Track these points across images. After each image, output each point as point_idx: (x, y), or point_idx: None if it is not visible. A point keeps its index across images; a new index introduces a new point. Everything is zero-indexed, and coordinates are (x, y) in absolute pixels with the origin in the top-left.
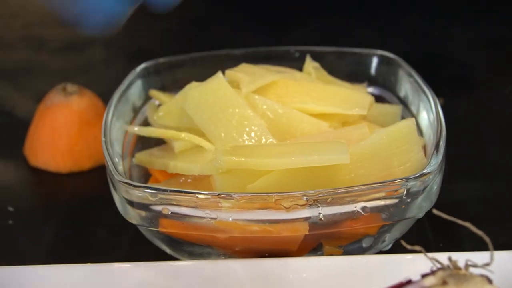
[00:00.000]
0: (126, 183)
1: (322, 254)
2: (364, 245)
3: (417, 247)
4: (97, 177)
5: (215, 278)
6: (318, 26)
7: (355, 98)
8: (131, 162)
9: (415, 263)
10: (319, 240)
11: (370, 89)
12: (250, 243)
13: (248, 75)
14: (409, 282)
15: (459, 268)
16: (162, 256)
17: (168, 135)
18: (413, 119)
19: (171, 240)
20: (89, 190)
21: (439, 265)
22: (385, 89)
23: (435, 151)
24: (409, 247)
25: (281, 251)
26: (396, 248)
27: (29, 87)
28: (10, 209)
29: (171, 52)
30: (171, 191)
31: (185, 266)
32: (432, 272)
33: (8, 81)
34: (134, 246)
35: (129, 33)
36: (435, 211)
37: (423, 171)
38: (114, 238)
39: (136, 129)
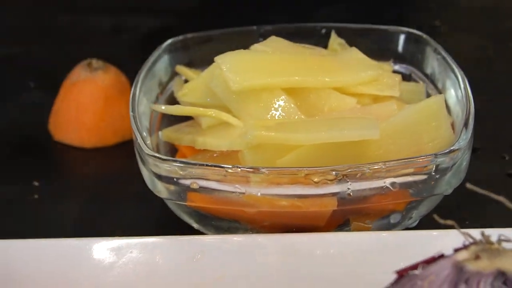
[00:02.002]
0: (155, 156)
1: (349, 230)
2: (392, 221)
3: (450, 222)
4: (121, 153)
5: (243, 253)
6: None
7: (386, 78)
8: (158, 137)
9: (445, 239)
10: (347, 216)
11: (396, 67)
12: (278, 218)
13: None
14: (441, 256)
15: (492, 243)
16: (189, 231)
17: (196, 112)
18: (443, 95)
19: (199, 215)
20: (114, 165)
21: (471, 240)
22: (411, 66)
23: (464, 128)
24: (442, 221)
25: (308, 227)
26: (422, 226)
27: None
28: (36, 183)
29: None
30: (200, 165)
31: (213, 240)
32: (465, 247)
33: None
34: (160, 221)
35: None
36: (469, 185)
37: (452, 148)
38: (140, 213)
39: (164, 108)
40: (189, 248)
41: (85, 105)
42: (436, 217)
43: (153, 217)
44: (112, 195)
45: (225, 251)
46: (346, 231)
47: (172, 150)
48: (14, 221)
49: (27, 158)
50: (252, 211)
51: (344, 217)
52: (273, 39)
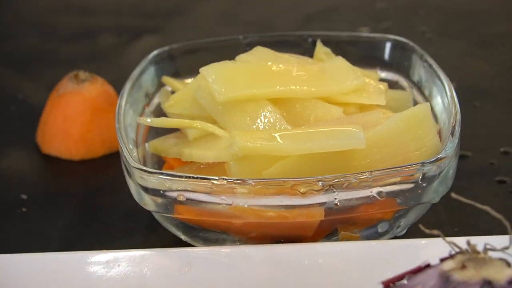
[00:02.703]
0: (141, 169)
1: (337, 240)
2: (380, 230)
3: (435, 231)
4: (109, 164)
5: (231, 264)
6: None
7: (372, 87)
8: (144, 149)
9: (431, 248)
10: (335, 226)
11: (383, 74)
12: (265, 229)
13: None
14: (427, 266)
15: (478, 252)
16: (176, 243)
17: (182, 124)
18: (428, 104)
19: (186, 227)
20: (101, 177)
21: (457, 249)
22: (398, 74)
23: (450, 135)
24: (427, 231)
25: (296, 237)
26: (411, 234)
27: (40, 74)
28: (23, 196)
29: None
30: (186, 177)
31: (201, 252)
32: (451, 256)
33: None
34: (148, 233)
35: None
36: (453, 195)
37: (439, 156)
38: (127, 225)
39: (149, 121)
40: (177, 260)
41: (72, 116)
42: (421, 227)
43: (141, 229)
44: (100, 207)
45: (214, 263)
46: (334, 240)
47: (160, 162)
48: (1, 235)
49: (14, 171)
50: (239, 222)
51: (332, 226)
52: (258, 49)
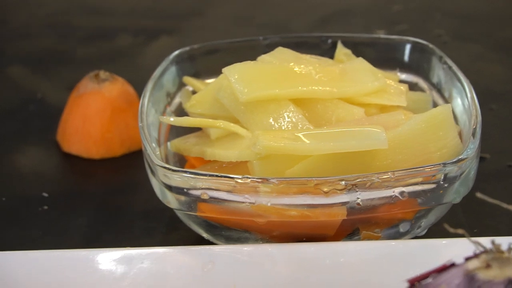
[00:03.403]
0: (165, 167)
1: (358, 239)
2: (401, 230)
3: (460, 231)
4: (129, 164)
5: (253, 262)
6: None
7: (392, 88)
8: (166, 148)
9: (452, 248)
10: (356, 225)
11: (403, 76)
12: (287, 227)
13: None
14: (452, 265)
15: (502, 252)
16: (197, 241)
17: (204, 123)
18: (450, 105)
19: (209, 225)
20: (121, 176)
21: (482, 249)
22: (417, 75)
23: (472, 137)
24: (452, 230)
25: (318, 236)
26: (431, 234)
27: (58, 74)
28: (45, 194)
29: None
30: (210, 175)
31: (223, 250)
32: (476, 255)
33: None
34: (169, 231)
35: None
36: (479, 195)
37: (460, 157)
38: (148, 224)
39: (172, 120)
40: (200, 258)
41: (92, 116)
42: (446, 226)
43: (161, 227)
44: (120, 206)
45: (236, 261)
46: (356, 240)
47: (181, 161)
48: (24, 232)
49: (36, 170)
50: (262, 221)
51: (353, 226)
52: (280, 50)
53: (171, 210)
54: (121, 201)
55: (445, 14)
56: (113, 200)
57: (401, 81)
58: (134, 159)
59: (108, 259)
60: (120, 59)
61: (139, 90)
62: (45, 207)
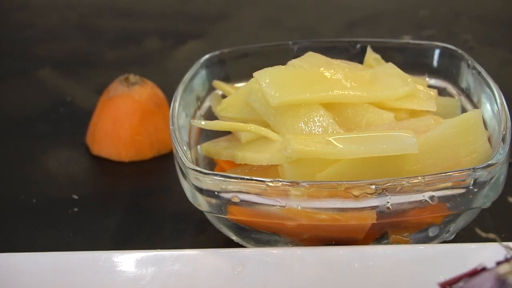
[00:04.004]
0: (196, 170)
1: (387, 243)
2: (430, 234)
3: (491, 235)
4: (158, 166)
5: (282, 265)
6: None
7: (422, 93)
8: (196, 151)
9: (481, 252)
10: (385, 229)
11: (431, 81)
12: (317, 231)
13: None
14: (483, 269)
15: None
16: (225, 244)
17: (235, 127)
18: (480, 110)
19: (239, 228)
20: (151, 179)
21: None
22: (446, 81)
23: (501, 142)
24: (484, 234)
25: (347, 239)
26: (459, 239)
27: (87, 77)
28: (75, 197)
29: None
30: (241, 179)
31: (253, 253)
32: (507, 260)
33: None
34: (198, 233)
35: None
36: (510, 199)
37: (490, 162)
38: (177, 226)
39: (203, 123)
40: (230, 260)
41: (122, 119)
42: (478, 230)
43: (190, 230)
44: (150, 208)
45: (265, 264)
46: (385, 244)
47: (211, 164)
48: (54, 234)
49: (66, 172)
50: (292, 224)
51: (383, 230)
52: (310, 55)
53: (200, 212)
54: (151, 203)
55: (471, 18)
56: (142, 203)
57: (430, 86)
58: (164, 162)
59: (138, 261)
60: (148, 62)
61: (168, 93)
62: (75, 209)
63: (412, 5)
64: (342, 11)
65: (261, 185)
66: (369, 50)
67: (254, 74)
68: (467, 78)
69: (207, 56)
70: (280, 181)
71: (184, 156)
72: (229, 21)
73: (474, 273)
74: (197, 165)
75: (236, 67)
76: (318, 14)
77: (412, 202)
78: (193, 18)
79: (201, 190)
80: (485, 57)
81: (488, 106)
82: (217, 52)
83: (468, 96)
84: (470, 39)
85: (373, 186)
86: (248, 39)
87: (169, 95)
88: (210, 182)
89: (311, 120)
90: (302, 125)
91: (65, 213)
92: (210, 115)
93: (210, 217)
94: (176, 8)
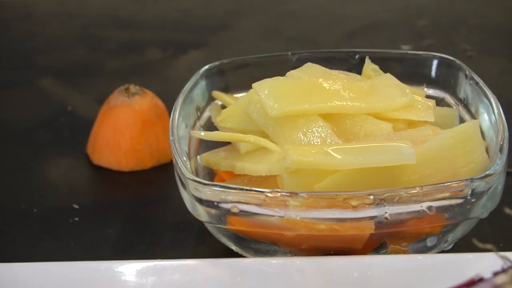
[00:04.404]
0: (196, 181)
1: (386, 253)
2: (428, 244)
3: (488, 246)
4: (158, 176)
5: (282, 275)
6: None
7: (420, 104)
8: (196, 161)
9: (479, 262)
10: (384, 239)
11: (429, 91)
12: (316, 241)
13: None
14: (480, 279)
15: None
16: (226, 254)
17: (234, 138)
18: (477, 121)
19: (238, 238)
20: (151, 188)
21: (510, 263)
22: (444, 91)
23: (499, 152)
24: (481, 245)
25: (346, 249)
26: (458, 249)
27: (88, 87)
28: (76, 206)
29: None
30: (240, 189)
31: (253, 263)
32: (503, 270)
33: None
34: (198, 243)
35: None
36: (507, 210)
37: (488, 172)
38: (177, 236)
39: (203, 134)
40: (230, 270)
41: (123, 129)
42: (475, 241)
43: (190, 240)
44: (150, 218)
45: (265, 274)
46: (383, 254)
47: (210, 174)
48: (55, 243)
49: (66, 181)
50: (291, 234)
51: (381, 240)
52: (308, 66)
53: (200, 222)
54: (151, 213)
55: (470, 28)
56: (142, 212)
57: (428, 97)
58: (163, 171)
59: (138, 270)
60: (149, 71)
61: (168, 103)
62: (76, 219)
63: (411, 15)
64: (341, 21)
65: (260, 196)
66: (367, 61)
67: (253, 85)
68: (465, 88)
69: (206, 67)
70: (279, 192)
71: (184, 167)
72: (230, 31)
73: (471, 283)
74: (197, 175)
75: (235, 78)
76: (318, 24)
77: (410, 212)
78: (193, 28)
79: (200, 201)
80: (484, 66)
81: (485, 116)
82: (217, 63)
83: (466, 106)
84: (469, 49)
85: (371, 197)
86: (248, 49)
87: (169, 105)
88: (209, 192)
89: (309, 130)
90: (301, 135)
91: (66, 222)
92: (210, 125)
93: (209, 227)
94: (177, 18)
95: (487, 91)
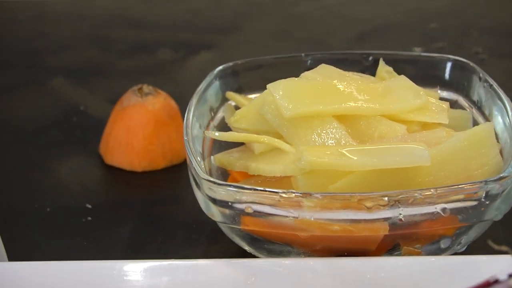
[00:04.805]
0: (210, 181)
1: (399, 254)
2: (442, 246)
3: (504, 248)
4: (171, 176)
5: (295, 276)
6: None
7: (434, 106)
8: (210, 162)
9: (493, 264)
10: (397, 240)
11: (443, 93)
12: (330, 242)
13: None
14: (496, 281)
15: None
16: (238, 254)
17: (249, 139)
18: (491, 123)
19: (252, 238)
20: (163, 188)
21: None
22: (457, 93)
23: None
24: (496, 247)
25: (359, 251)
26: (470, 250)
27: (99, 87)
28: (88, 206)
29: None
30: (255, 190)
31: (266, 263)
32: None
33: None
34: (210, 243)
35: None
36: None
37: (502, 174)
38: (189, 235)
39: (217, 134)
40: (243, 270)
41: (135, 129)
42: (490, 242)
43: (203, 239)
44: (162, 217)
45: (278, 274)
46: (397, 255)
47: (224, 174)
48: (68, 242)
49: (79, 181)
50: (305, 235)
51: (395, 241)
52: (323, 67)
53: (212, 222)
54: (163, 213)
55: (481, 31)
56: (155, 212)
57: (442, 99)
58: (176, 171)
59: (152, 270)
60: (161, 72)
61: (180, 103)
62: (89, 218)
63: (422, 18)
64: (352, 23)
65: (275, 196)
66: (381, 63)
67: (268, 86)
68: (479, 91)
69: (220, 67)
70: (294, 192)
71: (198, 167)
72: (240, 32)
73: (486, 285)
74: (211, 175)
75: (249, 79)
76: (329, 25)
77: (424, 214)
78: (205, 29)
79: (214, 201)
80: (495, 68)
81: (499, 118)
82: (230, 64)
83: (479, 108)
84: (480, 51)
85: (386, 198)
86: (259, 50)
87: (182, 105)
88: (224, 192)
89: (324, 132)
90: (315, 136)
91: (79, 222)
92: (223, 126)
93: (223, 227)
94: (188, 19)
95: (501, 94)
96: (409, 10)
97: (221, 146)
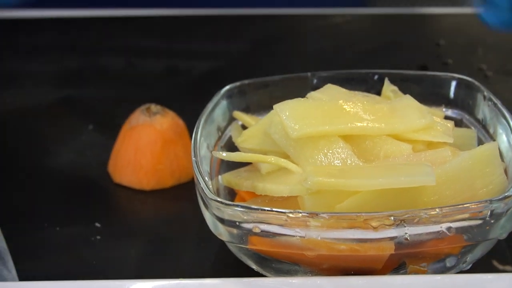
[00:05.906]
0: (218, 201)
1: (405, 273)
2: (448, 264)
3: (508, 267)
4: (178, 195)
5: None
6: None
7: (439, 125)
8: (217, 181)
9: (498, 283)
10: (403, 259)
11: (448, 112)
12: (336, 261)
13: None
14: None
15: None
16: (246, 273)
17: (256, 159)
18: (496, 143)
19: (259, 257)
20: (172, 207)
21: None
22: (462, 111)
23: None
24: (501, 267)
25: (366, 269)
26: (475, 269)
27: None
28: (97, 225)
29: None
30: (262, 210)
31: (273, 282)
32: None
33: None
34: (218, 262)
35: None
36: None
37: (507, 193)
38: (198, 254)
39: (225, 155)
40: None
41: (144, 148)
42: (494, 262)
43: (211, 258)
44: (171, 237)
45: None
46: (402, 273)
47: (231, 193)
48: (77, 262)
49: (88, 200)
50: (311, 254)
51: (400, 260)
52: (329, 87)
53: (220, 241)
54: (172, 231)
55: (487, 48)
56: (163, 231)
57: (446, 117)
58: (184, 190)
59: None
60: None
61: (187, 122)
62: (98, 237)
63: (428, 35)
64: (359, 41)
65: (282, 216)
66: (386, 82)
67: (274, 106)
68: (483, 109)
69: (227, 87)
70: (300, 212)
71: (206, 187)
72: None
73: None
74: (218, 194)
75: (256, 98)
76: (335, 43)
77: (430, 233)
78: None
79: (222, 220)
80: (500, 86)
81: (504, 137)
82: (237, 83)
83: (484, 127)
84: (485, 68)
85: (392, 218)
86: (266, 67)
87: (189, 124)
88: (231, 212)
89: (330, 152)
90: (322, 156)
91: (88, 241)
92: (231, 145)
93: (231, 246)
94: None
95: (505, 112)
96: (416, 28)
97: (228, 165)
